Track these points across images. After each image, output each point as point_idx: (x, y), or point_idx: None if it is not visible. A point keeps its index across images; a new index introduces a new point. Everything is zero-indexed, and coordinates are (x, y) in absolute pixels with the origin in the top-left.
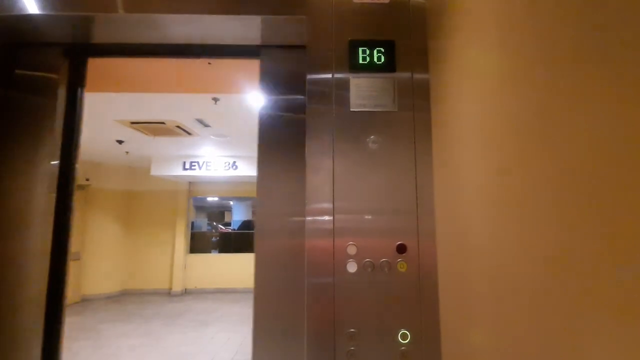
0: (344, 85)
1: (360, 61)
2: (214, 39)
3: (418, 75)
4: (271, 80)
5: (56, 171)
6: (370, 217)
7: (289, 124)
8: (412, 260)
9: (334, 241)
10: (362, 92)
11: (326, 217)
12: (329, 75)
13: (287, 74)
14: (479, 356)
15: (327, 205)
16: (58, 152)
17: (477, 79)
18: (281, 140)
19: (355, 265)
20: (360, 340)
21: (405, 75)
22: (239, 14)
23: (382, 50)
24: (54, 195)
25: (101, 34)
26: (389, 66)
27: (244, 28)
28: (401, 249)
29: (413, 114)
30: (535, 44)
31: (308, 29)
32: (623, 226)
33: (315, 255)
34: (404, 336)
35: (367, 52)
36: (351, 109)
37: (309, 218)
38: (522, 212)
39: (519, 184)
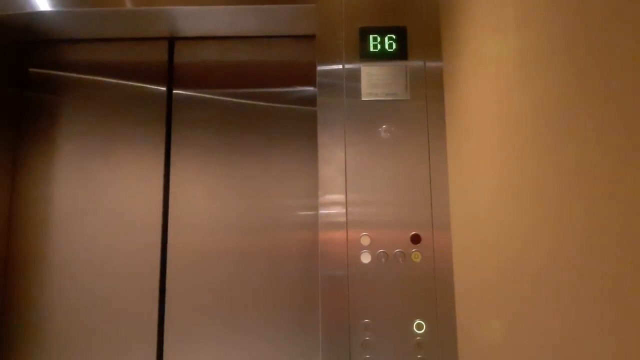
0: (354, 75)
1: (372, 49)
2: (220, 32)
3: (431, 62)
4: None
5: None
6: (383, 207)
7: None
8: (427, 250)
9: (347, 232)
10: (374, 80)
11: (339, 208)
12: (340, 66)
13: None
14: (494, 348)
15: (340, 197)
16: None
17: (493, 66)
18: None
19: (370, 256)
20: (375, 330)
21: (418, 62)
22: (247, 3)
23: (394, 37)
24: None
25: (111, 29)
26: (400, 53)
27: (250, 19)
28: (415, 239)
29: (426, 102)
30: (555, 27)
31: (318, 18)
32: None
33: (328, 247)
34: (419, 326)
35: (378, 39)
36: (362, 98)
37: (322, 209)
38: (538, 203)
39: (536, 174)
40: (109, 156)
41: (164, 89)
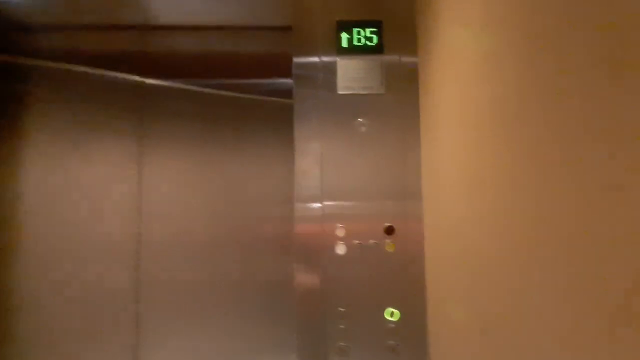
0: (331, 68)
1: (348, 43)
2: (195, 21)
3: (406, 57)
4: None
5: None
6: (359, 200)
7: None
8: (400, 241)
9: (322, 224)
10: (350, 74)
11: (315, 201)
12: (316, 59)
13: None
14: (461, 332)
15: (316, 189)
16: None
17: (460, 59)
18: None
19: (345, 247)
20: (349, 318)
21: (393, 56)
22: None
23: (370, 30)
24: None
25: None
26: (377, 47)
27: (226, 8)
28: (389, 230)
29: (401, 96)
30: (514, 26)
31: (294, 9)
32: (600, 209)
33: (304, 239)
34: (392, 314)
35: (355, 32)
36: (339, 92)
37: (297, 201)
38: (499, 193)
39: (496, 165)
40: (81, 147)
41: (137, 78)
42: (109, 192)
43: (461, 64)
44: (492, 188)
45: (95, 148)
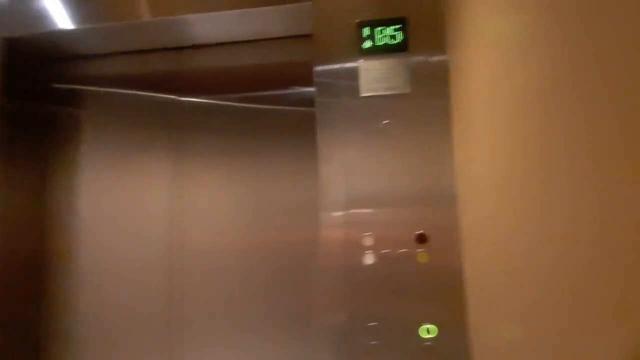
0: (352, 72)
1: (370, 43)
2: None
3: (434, 53)
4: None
5: None
6: (386, 206)
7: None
8: (434, 251)
9: (348, 233)
10: (372, 75)
11: (340, 208)
12: (337, 65)
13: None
14: (511, 354)
15: (341, 196)
16: None
17: (499, 50)
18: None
19: (373, 257)
20: (380, 334)
21: (420, 53)
22: (241, 7)
23: (394, 29)
24: None
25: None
26: (401, 45)
27: (246, 22)
28: (421, 239)
29: (429, 95)
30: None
31: (314, 16)
32: None
33: (329, 249)
34: (428, 331)
35: (377, 32)
36: (361, 94)
37: (322, 210)
38: (550, 196)
39: (546, 166)
40: (126, 163)
41: (173, 96)
42: (149, 205)
43: (500, 55)
44: (542, 190)
45: (138, 163)
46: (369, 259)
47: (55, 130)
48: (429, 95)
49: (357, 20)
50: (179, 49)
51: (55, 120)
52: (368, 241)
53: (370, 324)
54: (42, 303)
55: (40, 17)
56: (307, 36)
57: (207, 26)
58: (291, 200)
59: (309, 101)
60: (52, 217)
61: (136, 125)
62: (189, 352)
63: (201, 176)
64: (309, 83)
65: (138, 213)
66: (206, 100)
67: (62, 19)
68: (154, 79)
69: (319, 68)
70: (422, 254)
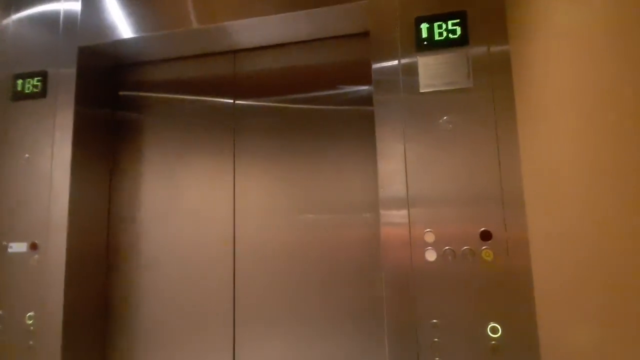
0: (411, 68)
1: (429, 38)
2: (276, 40)
3: (496, 46)
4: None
5: None
6: (448, 202)
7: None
8: (499, 247)
9: (410, 229)
10: (432, 71)
11: (400, 204)
12: (395, 62)
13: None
14: (583, 355)
15: (401, 192)
16: None
17: (569, 42)
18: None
19: (435, 253)
20: (444, 331)
21: (481, 47)
22: (299, 9)
23: (452, 23)
24: None
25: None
26: (461, 39)
27: (303, 23)
28: (485, 235)
29: (492, 89)
30: None
31: (371, 14)
32: None
33: (391, 244)
34: (494, 330)
35: (436, 27)
36: (421, 90)
37: (382, 206)
38: (631, 189)
39: (627, 158)
40: (185, 163)
41: (230, 100)
42: (208, 202)
43: (571, 44)
44: (616, 186)
45: (196, 163)
46: (430, 255)
47: (121, 134)
48: (492, 89)
49: (414, 16)
50: (235, 52)
51: (122, 124)
52: (430, 237)
53: (434, 320)
54: (111, 284)
55: (107, 27)
56: (363, 34)
57: (261, 30)
58: (346, 197)
59: (364, 99)
60: (117, 213)
61: (195, 127)
62: (249, 342)
63: (258, 175)
64: (365, 81)
65: (198, 211)
66: (261, 103)
67: (125, 29)
68: (211, 82)
69: (377, 65)
70: (487, 251)
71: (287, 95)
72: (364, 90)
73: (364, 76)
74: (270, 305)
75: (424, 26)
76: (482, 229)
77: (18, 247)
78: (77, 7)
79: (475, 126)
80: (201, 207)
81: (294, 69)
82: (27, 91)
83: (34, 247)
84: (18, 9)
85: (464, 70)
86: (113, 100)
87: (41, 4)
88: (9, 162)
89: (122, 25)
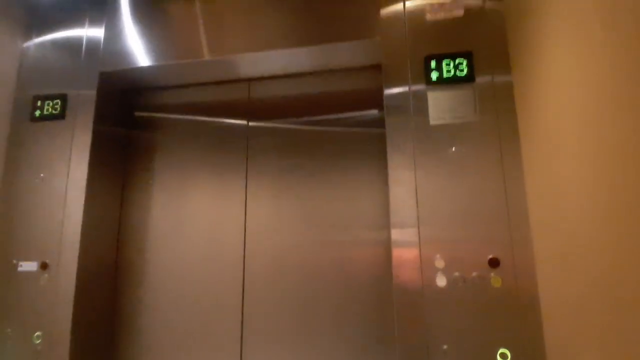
0: (421, 99)
1: (437, 75)
2: (290, 70)
3: (500, 82)
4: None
5: None
6: (457, 229)
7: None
8: (507, 274)
9: (420, 254)
10: (441, 105)
11: (411, 230)
12: (406, 88)
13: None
14: None
15: (412, 218)
16: None
17: (572, 74)
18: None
19: (445, 278)
20: (455, 357)
21: (486, 83)
22: (313, 44)
23: (460, 62)
24: None
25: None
26: (468, 77)
27: (317, 56)
28: (494, 262)
29: (497, 121)
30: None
31: (382, 49)
32: None
33: (401, 269)
34: (503, 355)
35: (444, 65)
36: (431, 123)
37: (394, 230)
38: (630, 221)
39: (631, 183)
40: (199, 181)
41: (242, 121)
42: (219, 220)
43: (573, 78)
44: (621, 205)
45: (208, 181)
46: (441, 280)
47: (135, 153)
48: (496, 119)
49: (425, 55)
50: (249, 80)
51: (136, 143)
52: (440, 263)
53: (444, 346)
54: (119, 304)
55: (128, 54)
56: (375, 66)
57: (275, 62)
58: (356, 217)
59: (371, 122)
60: (128, 232)
61: (208, 147)
62: (255, 350)
63: (269, 194)
64: (373, 106)
65: (209, 229)
66: (274, 125)
67: (143, 58)
68: (225, 106)
69: (389, 91)
70: (495, 278)
71: (299, 118)
72: (372, 114)
73: (373, 102)
74: (279, 325)
75: (433, 64)
76: (491, 256)
77: (28, 266)
78: (100, 33)
79: (481, 155)
80: (212, 225)
81: (307, 95)
82: (46, 112)
83: (44, 266)
84: (40, 32)
85: (471, 104)
86: (128, 121)
87: (64, 29)
88: (25, 181)
89: (141, 53)
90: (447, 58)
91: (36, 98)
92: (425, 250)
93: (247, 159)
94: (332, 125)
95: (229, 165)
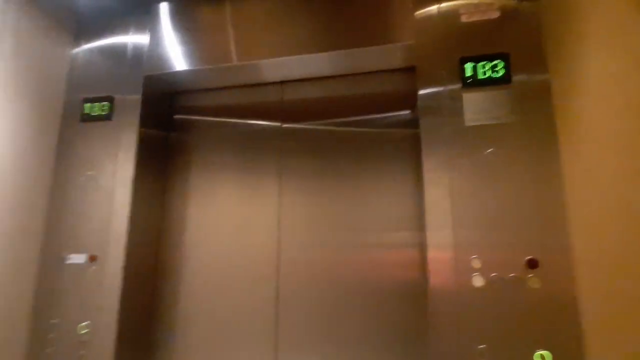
0: (456, 101)
1: (473, 77)
2: (323, 73)
3: (537, 82)
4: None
5: None
6: (494, 230)
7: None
8: (546, 276)
9: (456, 255)
10: (476, 106)
11: (447, 231)
12: (441, 89)
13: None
14: None
15: (447, 220)
16: None
17: (613, 73)
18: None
19: (481, 279)
20: (491, 357)
21: (523, 84)
22: (346, 47)
23: (496, 63)
24: None
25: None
26: (504, 78)
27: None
28: (532, 264)
29: (534, 121)
30: None
31: (417, 52)
32: None
33: (437, 269)
34: (542, 357)
35: (480, 67)
36: (466, 124)
37: (429, 232)
38: None
39: None
40: (233, 182)
41: (277, 123)
42: (254, 219)
43: (612, 73)
44: None
45: (244, 181)
46: (477, 281)
47: (174, 155)
48: (534, 122)
49: (460, 57)
50: (282, 82)
51: (175, 145)
52: (476, 264)
53: (480, 346)
54: (158, 298)
55: (169, 59)
56: (408, 68)
57: (308, 65)
58: (390, 217)
59: (404, 123)
60: (167, 229)
61: (243, 149)
62: (290, 353)
63: (303, 195)
64: (406, 107)
65: (244, 229)
66: (308, 126)
67: (180, 62)
68: (259, 108)
69: (424, 92)
70: (533, 279)
71: (332, 119)
72: (404, 115)
73: (405, 103)
74: (314, 325)
75: (468, 65)
76: (529, 257)
77: (77, 258)
78: (144, 40)
79: (518, 156)
80: (246, 224)
81: (339, 96)
82: (94, 114)
83: (92, 259)
84: (88, 39)
85: (507, 106)
86: (168, 124)
87: (110, 36)
88: (75, 178)
89: (179, 57)
90: (483, 59)
91: (85, 100)
92: (460, 251)
93: (280, 160)
94: (364, 127)
95: (262, 166)
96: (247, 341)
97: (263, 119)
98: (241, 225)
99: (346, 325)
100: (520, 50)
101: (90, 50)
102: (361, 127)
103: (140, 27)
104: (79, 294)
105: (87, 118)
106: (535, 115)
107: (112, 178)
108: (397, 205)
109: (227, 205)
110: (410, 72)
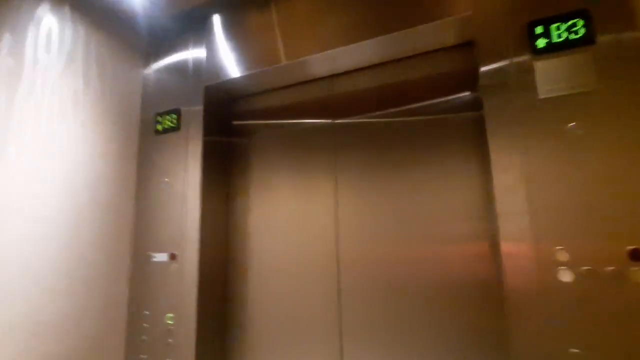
0: (527, 73)
1: (545, 42)
2: (373, 60)
3: (627, 40)
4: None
5: None
6: (582, 217)
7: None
8: None
9: (536, 247)
10: (552, 75)
11: (523, 220)
12: (507, 62)
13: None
14: None
15: (523, 206)
16: None
17: None
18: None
19: (570, 274)
20: None
21: (609, 44)
22: (398, 30)
23: (574, 22)
24: None
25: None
26: (584, 39)
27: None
28: (636, 255)
29: (624, 88)
30: None
31: (475, 24)
32: None
33: (513, 264)
34: None
35: (553, 29)
36: (540, 96)
37: (501, 222)
38: None
39: None
40: (291, 181)
41: (329, 120)
42: (313, 217)
43: None
44: None
45: (301, 179)
46: (565, 275)
47: (234, 158)
48: (624, 90)
49: (526, 21)
50: (331, 76)
51: (235, 150)
52: (563, 256)
53: (573, 350)
54: (227, 300)
55: (225, 68)
56: (465, 44)
57: (355, 55)
58: (452, 208)
59: (463, 106)
60: (232, 229)
61: (298, 148)
62: (355, 357)
63: (360, 190)
64: (464, 89)
65: (304, 226)
66: (360, 120)
67: (233, 69)
68: (312, 105)
69: (486, 69)
70: (638, 273)
71: (385, 110)
72: (463, 97)
73: (464, 84)
74: (377, 321)
75: (538, 29)
76: (631, 247)
77: (160, 257)
78: (202, 54)
79: (607, 129)
80: (305, 222)
81: (390, 84)
82: (165, 126)
83: (173, 257)
84: (156, 59)
85: (592, 71)
86: (228, 130)
87: (174, 53)
88: (154, 185)
89: (232, 65)
90: (556, 20)
91: (157, 114)
92: (541, 242)
93: (335, 156)
94: (420, 114)
95: (317, 163)
96: (311, 336)
97: (315, 117)
98: (300, 223)
99: (411, 324)
100: (602, 4)
101: (158, 69)
102: (416, 115)
103: (197, 42)
104: (164, 289)
105: (160, 130)
106: (626, 81)
107: (183, 183)
108: (459, 194)
109: (286, 204)
110: (468, 48)
